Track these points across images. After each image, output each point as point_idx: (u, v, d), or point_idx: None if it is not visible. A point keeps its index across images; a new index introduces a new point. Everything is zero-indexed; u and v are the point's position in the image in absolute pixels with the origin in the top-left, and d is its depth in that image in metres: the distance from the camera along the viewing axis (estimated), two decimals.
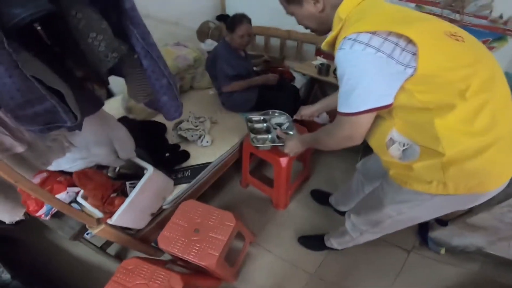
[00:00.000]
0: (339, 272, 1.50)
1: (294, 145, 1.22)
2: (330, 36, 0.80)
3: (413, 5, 1.83)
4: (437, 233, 1.50)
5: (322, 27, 0.87)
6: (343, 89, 0.74)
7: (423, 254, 1.56)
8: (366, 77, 0.69)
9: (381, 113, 0.79)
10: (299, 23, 0.90)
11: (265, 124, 1.60)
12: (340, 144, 0.88)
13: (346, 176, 1.99)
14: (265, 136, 1.53)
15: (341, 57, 0.72)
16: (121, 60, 0.74)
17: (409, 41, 0.65)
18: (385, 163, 0.89)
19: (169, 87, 0.85)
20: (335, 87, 1.91)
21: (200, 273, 1.32)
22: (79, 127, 0.71)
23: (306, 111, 1.38)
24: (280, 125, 1.61)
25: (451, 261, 1.52)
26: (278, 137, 1.45)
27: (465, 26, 1.70)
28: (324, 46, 0.85)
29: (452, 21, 1.72)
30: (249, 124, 1.59)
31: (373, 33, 0.66)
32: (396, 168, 0.85)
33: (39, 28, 0.72)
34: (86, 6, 0.65)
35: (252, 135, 1.50)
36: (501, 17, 1.61)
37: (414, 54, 0.65)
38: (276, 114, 1.68)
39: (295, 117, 1.44)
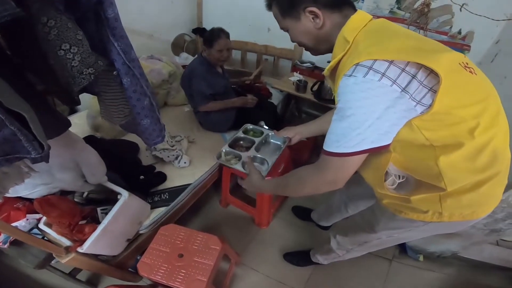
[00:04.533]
0: (328, 286, 1.48)
1: (250, 186, 1.06)
2: (334, 60, 0.71)
3: None
4: (414, 241, 1.54)
5: (319, 46, 0.77)
6: (342, 124, 0.63)
7: (404, 262, 1.61)
8: (375, 114, 0.59)
9: None
10: (293, 40, 0.80)
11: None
12: (317, 191, 0.75)
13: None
14: (241, 153, 1.35)
15: (350, 85, 0.61)
16: (96, 76, 0.66)
17: (429, 73, 0.57)
18: (379, 194, 0.83)
19: (151, 109, 0.76)
20: (310, 104, 1.93)
21: None
22: (45, 158, 0.58)
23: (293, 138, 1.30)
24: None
25: (430, 267, 1.58)
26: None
27: None
28: (326, 72, 0.75)
29: None
30: (242, 133, 1.46)
31: (391, 62, 0.57)
32: (392, 199, 0.80)
33: None
34: (60, 13, 0.54)
35: (228, 149, 1.36)
36: (459, 32, 1.75)
37: (430, 89, 0.58)
38: (270, 135, 1.49)
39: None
